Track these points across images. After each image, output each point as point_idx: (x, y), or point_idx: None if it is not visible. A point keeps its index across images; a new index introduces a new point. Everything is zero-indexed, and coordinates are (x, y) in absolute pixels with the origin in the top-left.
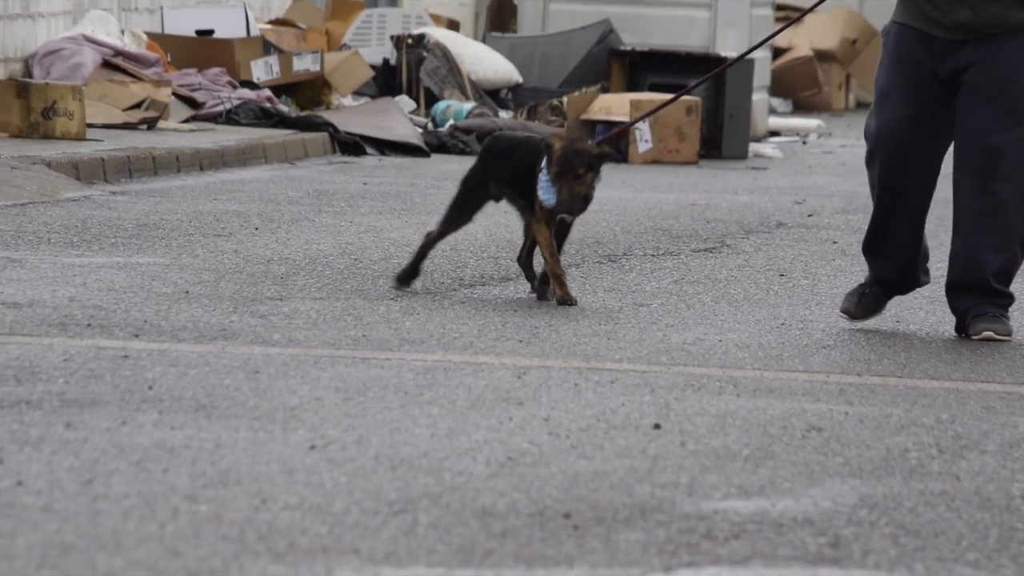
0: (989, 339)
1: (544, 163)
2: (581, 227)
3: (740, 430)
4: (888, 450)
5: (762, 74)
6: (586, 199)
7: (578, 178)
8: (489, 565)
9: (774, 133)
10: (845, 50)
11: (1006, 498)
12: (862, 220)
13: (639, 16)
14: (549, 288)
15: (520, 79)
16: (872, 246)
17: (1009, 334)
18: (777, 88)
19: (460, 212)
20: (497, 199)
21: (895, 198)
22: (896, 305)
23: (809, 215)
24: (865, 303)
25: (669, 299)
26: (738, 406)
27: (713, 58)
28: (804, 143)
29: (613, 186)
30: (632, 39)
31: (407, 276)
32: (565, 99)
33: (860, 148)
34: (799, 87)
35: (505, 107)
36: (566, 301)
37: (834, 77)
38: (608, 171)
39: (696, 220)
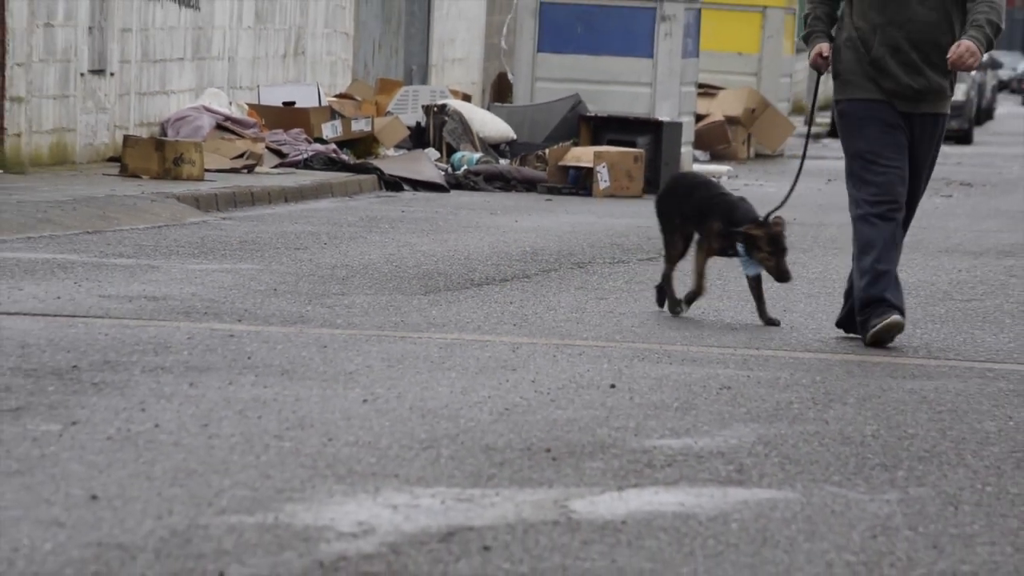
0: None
1: (743, 246)
2: (557, 243)
3: (672, 388)
4: (778, 403)
5: (688, 134)
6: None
7: (785, 251)
8: (491, 486)
9: None
10: (747, 116)
11: (861, 436)
12: None
13: (600, 91)
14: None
15: (515, 136)
16: (880, 283)
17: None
18: (699, 143)
19: (673, 242)
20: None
21: (895, 237)
22: (783, 298)
23: None
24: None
25: (622, 295)
26: (671, 371)
27: (652, 121)
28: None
29: (581, 213)
30: (595, 108)
31: (673, 304)
32: (547, 151)
33: (758, 187)
34: (714, 142)
35: (504, 156)
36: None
37: (739, 135)
38: (578, 202)
39: (641, 238)
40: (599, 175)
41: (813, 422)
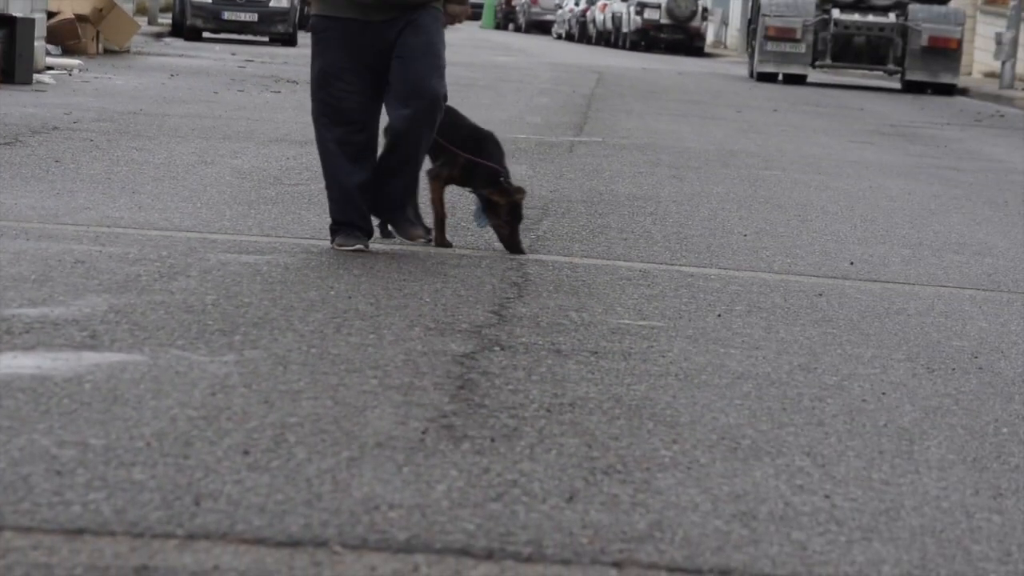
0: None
1: (483, 205)
2: None
3: (30, 262)
4: (127, 275)
5: (41, 29)
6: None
7: (521, 220)
8: None
9: (50, 68)
10: (95, 15)
11: (202, 305)
12: (110, 127)
13: None
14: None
15: None
16: (340, 207)
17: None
18: (51, 38)
19: None
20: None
21: (354, 153)
22: (132, 181)
23: (75, 122)
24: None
25: None
26: (28, 247)
27: (6, 16)
28: (70, 75)
29: None
30: None
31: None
32: None
33: (107, 80)
34: (65, 38)
35: None
36: (441, 244)
37: (89, 32)
38: None
39: None
40: None
41: (160, 292)
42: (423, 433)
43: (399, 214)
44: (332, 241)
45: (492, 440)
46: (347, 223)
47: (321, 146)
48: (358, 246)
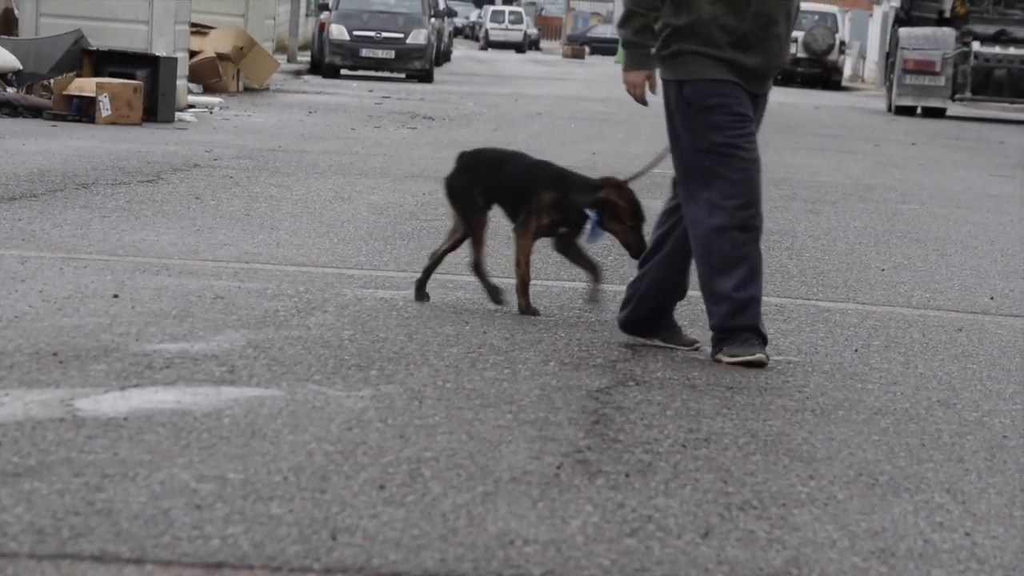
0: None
1: (595, 212)
2: (63, 165)
3: (170, 298)
4: (266, 311)
5: (183, 68)
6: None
7: (644, 221)
8: (2, 387)
9: (191, 106)
10: (236, 54)
11: (339, 340)
12: (249, 163)
13: (101, 27)
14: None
15: (20, 66)
16: (745, 314)
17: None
18: (193, 77)
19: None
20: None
21: (755, 239)
22: (270, 216)
23: (215, 159)
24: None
25: (123, 213)
26: (169, 283)
27: (150, 56)
28: (211, 113)
29: (85, 139)
30: (96, 42)
31: (495, 292)
32: (52, 81)
33: (247, 117)
34: (207, 77)
35: (11, 85)
36: (526, 311)
37: (229, 71)
38: (82, 129)
39: (141, 161)
40: (101, 104)
41: (297, 328)
42: (558, 468)
43: (668, 321)
44: (718, 350)
45: (627, 475)
46: (740, 328)
47: (721, 239)
48: (758, 355)
